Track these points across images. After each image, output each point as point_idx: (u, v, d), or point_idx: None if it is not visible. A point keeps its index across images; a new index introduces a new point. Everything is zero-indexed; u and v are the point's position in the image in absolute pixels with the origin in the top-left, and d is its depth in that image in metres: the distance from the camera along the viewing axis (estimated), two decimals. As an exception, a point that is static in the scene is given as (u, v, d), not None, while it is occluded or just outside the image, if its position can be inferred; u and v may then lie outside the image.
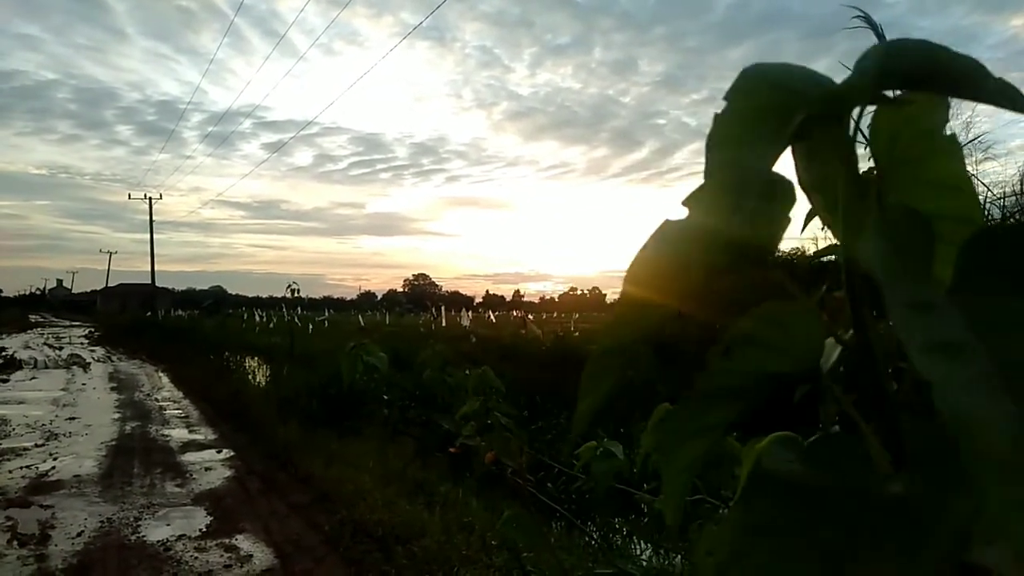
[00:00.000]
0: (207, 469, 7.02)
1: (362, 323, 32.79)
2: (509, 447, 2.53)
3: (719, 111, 0.37)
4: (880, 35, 2.21)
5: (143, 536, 4.96)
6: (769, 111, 0.36)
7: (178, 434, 8.93)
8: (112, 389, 13.49)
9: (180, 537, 4.93)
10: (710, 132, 0.38)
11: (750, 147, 0.35)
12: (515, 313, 46.95)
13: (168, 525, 5.22)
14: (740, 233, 0.35)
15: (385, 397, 2.72)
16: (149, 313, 42.55)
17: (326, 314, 41.97)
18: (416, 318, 44.77)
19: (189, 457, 7.58)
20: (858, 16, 2.29)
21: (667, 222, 0.37)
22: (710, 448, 0.40)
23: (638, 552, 5.34)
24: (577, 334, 20.08)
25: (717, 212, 0.35)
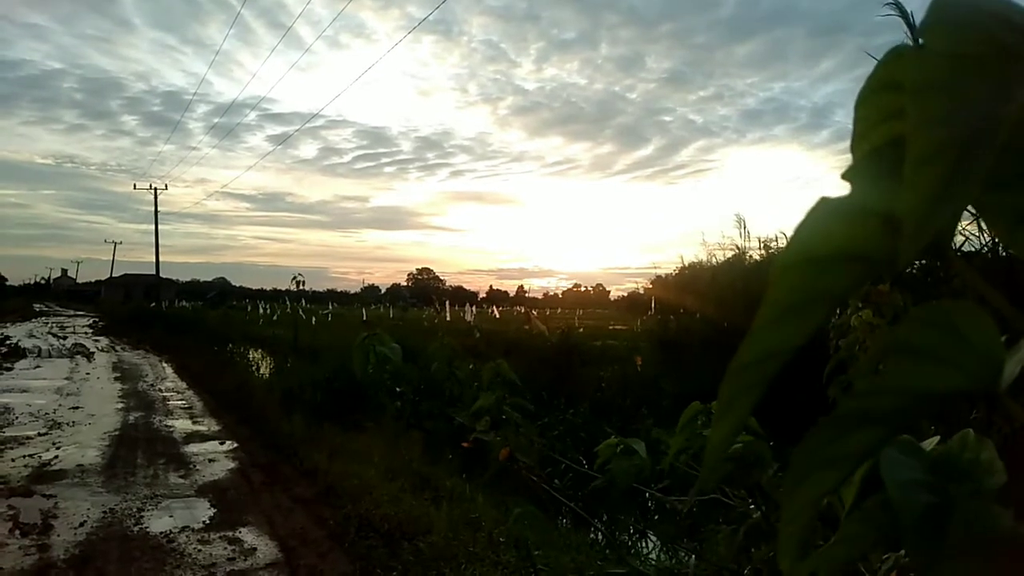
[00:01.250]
0: (210, 461, 6.97)
1: (365, 317, 32.76)
2: (523, 443, 2.46)
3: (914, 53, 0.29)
4: (911, 23, 2.06)
5: (146, 527, 4.91)
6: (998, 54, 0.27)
7: (181, 425, 8.89)
8: (116, 379, 13.46)
9: (183, 529, 4.88)
10: (881, 80, 0.30)
11: (972, 100, 0.26)
12: (519, 309, 46.93)
13: (171, 516, 5.16)
14: (940, 210, 0.27)
15: (398, 390, 2.66)
16: (153, 304, 42.60)
17: (330, 307, 41.92)
18: (420, 312, 44.79)
19: (192, 448, 7.53)
20: (889, 3, 2.14)
21: (823, 200, 0.30)
22: (842, 481, 0.32)
23: (647, 550, 5.28)
24: (581, 330, 20.03)
25: (924, 182, 0.26)
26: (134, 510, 5.27)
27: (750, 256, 11.27)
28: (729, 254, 11.55)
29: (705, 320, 11.16)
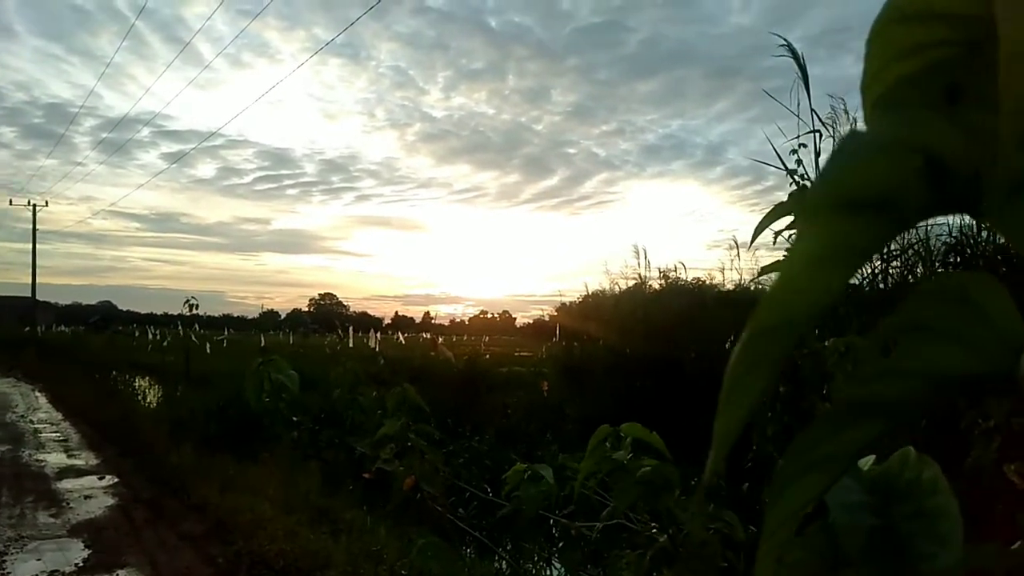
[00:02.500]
0: (87, 497, 6.44)
1: (264, 343, 31.57)
2: (429, 471, 2.38)
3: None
4: (802, 65, 2.17)
5: (8, 572, 4.46)
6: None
7: (55, 459, 8.21)
8: (-20, 410, 12.33)
9: (52, 573, 4.46)
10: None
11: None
12: (425, 335, 46.49)
13: (39, 560, 4.71)
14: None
15: (295, 419, 2.53)
16: (28, 328, 39.53)
17: (225, 333, 40.14)
18: (322, 338, 43.57)
19: (66, 484, 6.95)
20: (782, 45, 2.23)
21: (855, 134, 0.26)
22: (828, 487, 0.28)
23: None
24: (488, 356, 20.01)
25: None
26: (-5, 554, 4.78)
27: (650, 285, 11.64)
28: (631, 283, 11.89)
29: (608, 347, 11.40)
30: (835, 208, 0.25)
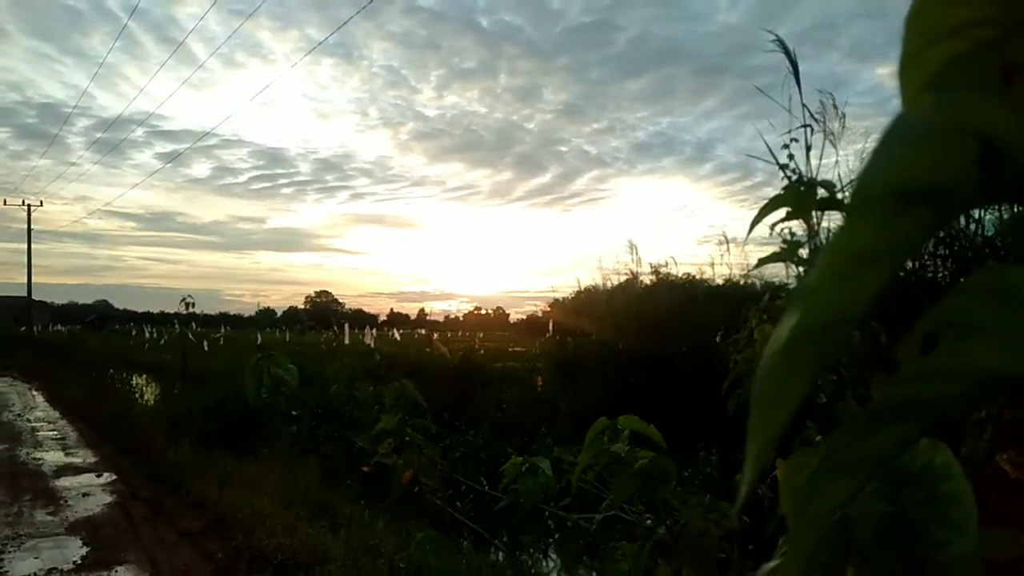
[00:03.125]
0: (84, 495, 6.45)
1: (260, 340, 31.52)
2: (427, 465, 2.40)
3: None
4: (794, 61, 2.17)
5: (6, 571, 4.46)
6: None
7: (52, 457, 8.20)
8: (-24, 409, 12.31)
9: (50, 571, 4.46)
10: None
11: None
12: (420, 331, 46.44)
13: (36, 558, 4.72)
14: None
15: (294, 413, 2.54)
16: (24, 328, 39.40)
17: (222, 331, 40.05)
18: (318, 336, 43.50)
19: (64, 482, 6.95)
20: (773, 41, 2.25)
21: (905, 116, 0.24)
22: (858, 491, 0.28)
23: (548, 569, 5.27)
24: (482, 352, 20.03)
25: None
26: (-6, 552, 4.79)
27: (642, 280, 11.67)
28: (623, 278, 11.92)
29: (600, 342, 11.42)
30: (886, 198, 0.23)
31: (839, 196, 1.70)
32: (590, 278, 13.21)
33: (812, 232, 1.66)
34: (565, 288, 14.75)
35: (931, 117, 0.23)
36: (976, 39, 0.26)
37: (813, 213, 1.63)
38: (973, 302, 0.25)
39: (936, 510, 0.41)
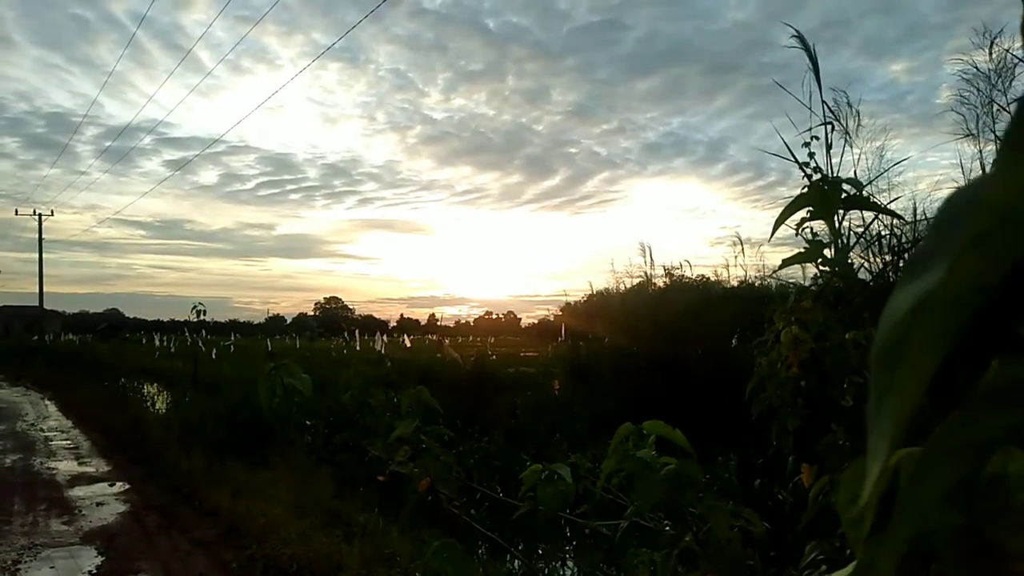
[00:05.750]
0: (98, 504, 6.45)
1: (270, 347, 31.59)
2: (443, 472, 2.37)
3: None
4: (813, 56, 2.13)
5: (23, 581, 4.47)
6: None
7: (66, 467, 8.22)
8: (-10, 419, 12.37)
9: (66, 581, 4.46)
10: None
11: None
12: (431, 337, 46.49)
13: (52, 568, 4.72)
14: None
15: (308, 423, 2.52)
16: (36, 337, 39.69)
17: (232, 338, 40.16)
18: (328, 342, 43.62)
19: (78, 492, 6.96)
20: (793, 36, 2.20)
21: None
22: (967, 476, 0.25)
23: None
24: (494, 357, 19.98)
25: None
26: (9, 562, 4.79)
27: (655, 283, 11.58)
28: (636, 281, 11.84)
29: (614, 345, 11.35)
30: None
31: (865, 194, 1.66)
32: (602, 281, 13.15)
33: (836, 232, 1.62)
34: (577, 292, 14.69)
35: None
36: None
37: (837, 212, 1.59)
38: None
39: (1012, 522, 0.40)
